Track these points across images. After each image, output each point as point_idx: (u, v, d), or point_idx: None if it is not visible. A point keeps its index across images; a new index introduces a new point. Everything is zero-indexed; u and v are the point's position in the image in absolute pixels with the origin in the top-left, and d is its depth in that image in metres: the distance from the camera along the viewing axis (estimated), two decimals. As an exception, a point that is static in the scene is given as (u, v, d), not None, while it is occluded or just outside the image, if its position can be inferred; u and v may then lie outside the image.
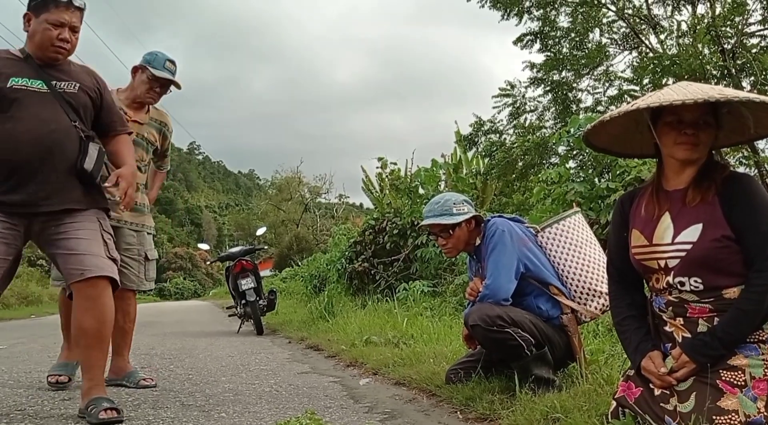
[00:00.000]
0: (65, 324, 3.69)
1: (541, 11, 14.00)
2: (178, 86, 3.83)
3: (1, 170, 2.70)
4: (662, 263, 1.94)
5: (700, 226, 1.88)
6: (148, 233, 3.81)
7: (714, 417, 1.76)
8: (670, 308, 1.96)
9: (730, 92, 1.79)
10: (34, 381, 3.89)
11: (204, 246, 14.46)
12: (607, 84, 14.24)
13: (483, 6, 14.07)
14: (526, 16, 14.12)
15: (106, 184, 2.91)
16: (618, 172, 5.75)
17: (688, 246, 1.88)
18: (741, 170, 8.91)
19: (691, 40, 10.27)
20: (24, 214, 2.75)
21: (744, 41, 10.16)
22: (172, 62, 3.79)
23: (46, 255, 2.90)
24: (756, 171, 9.04)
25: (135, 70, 3.78)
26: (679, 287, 1.92)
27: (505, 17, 14.10)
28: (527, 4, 13.88)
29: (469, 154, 12.11)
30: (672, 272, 1.92)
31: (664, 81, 9.23)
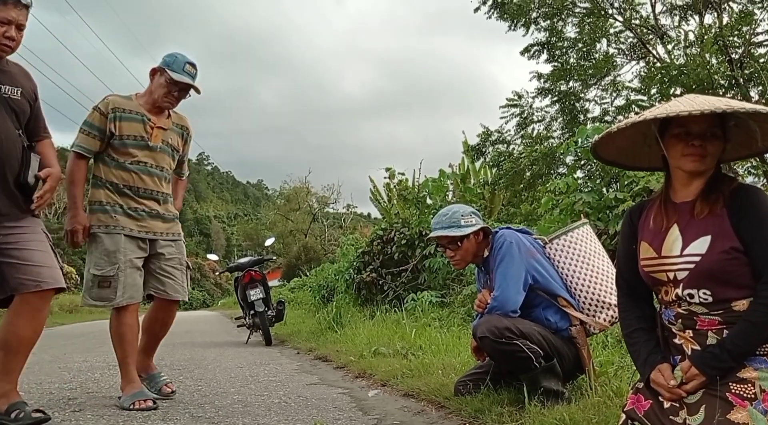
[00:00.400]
0: (126, 353, 3.48)
1: (548, 22, 14.04)
2: (197, 91, 3.66)
3: None
4: (671, 275, 1.94)
5: (708, 238, 1.88)
6: (182, 242, 3.74)
7: (724, 430, 1.75)
8: (680, 320, 1.96)
9: (737, 104, 1.79)
10: (45, 392, 3.91)
11: (213, 257, 14.54)
12: (614, 94, 14.25)
13: (490, 17, 14.13)
14: (533, 27, 14.17)
15: (38, 173, 2.88)
16: (626, 182, 5.75)
17: (697, 258, 1.88)
18: (749, 180, 8.89)
19: (698, 50, 10.27)
20: None
21: (752, 51, 10.15)
22: (193, 65, 3.60)
23: None
24: (764, 182, 9.01)
25: (153, 72, 3.61)
26: (688, 299, 1.91)
27: (512, 28, 14.15)
28: (534, 15, 13.93)
29: (477, 164, 12.13)
30: (681, 285, 1.92)
31: (671, 91, 9.24)
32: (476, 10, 14.12)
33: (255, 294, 7.87)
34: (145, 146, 3.50)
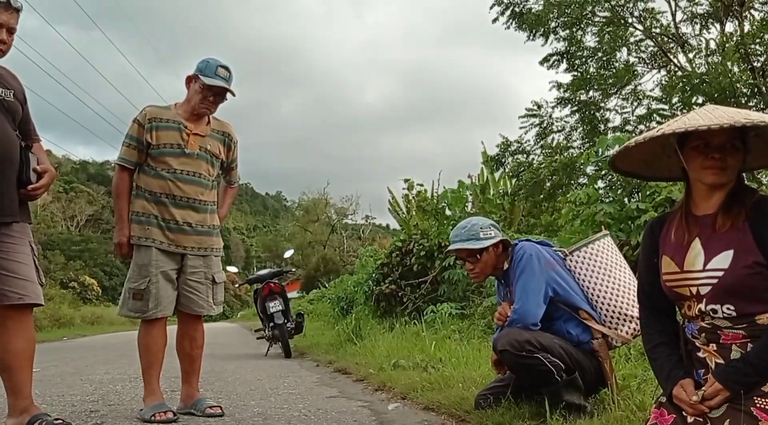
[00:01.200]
0: (150, 363, 3.49)
1: (567, 31, 14.00)
2: (232, 94, 3.62)
3: None
4: (694, 290, 1.91)
5: (731, 253, 1.85)
6: (215, 256, 3.65)
7: (749, 446, 1.72)
8: (703, 334, 1.93)
9: (757, 116, 1.77)
10: (67, 405, 3.94)
11: (232, 269, 14.63)
12: (635, 103, 14.13)
13: (508, 28, 14.12)
14: (551, 37, 14.13)
15: (36, 167, 2.90)
16: (648, 192, 5.69)
17: (720, 273, 1.85)
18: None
19: (720, 58, 10.17)
20: None
21: (774, 59, 10.02)
22: (226, 68, 3.56)
23: None
24: (790, 190, 8.87)
25: (189, 80, 3.59)
26: (711, 314, 1.88)
27: (531, 38, 14.12)
28: (553, 24, 13.90)
29: (497, 174, 12.08)
30: (704, 300, 1.89)
31: (693, 100, 9.14)
32: (494, 20, 14.13)
33: (274, 306, 7.89)
34: (181, 154, 3.50)
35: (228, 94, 3.61)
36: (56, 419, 2.88)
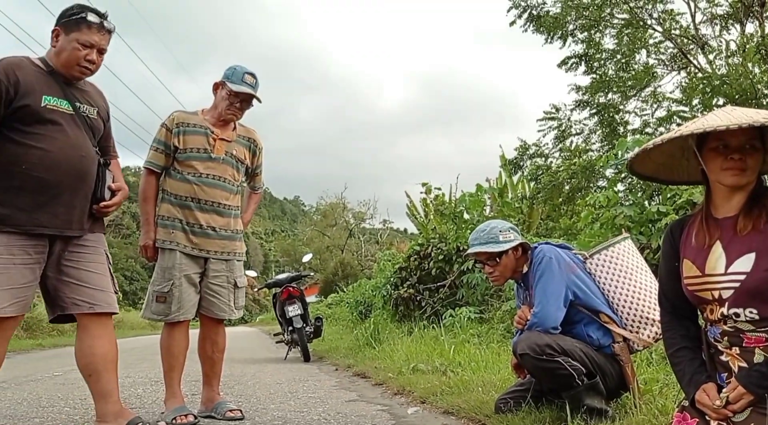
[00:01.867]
0: (171, 366, 3.52)
1: (585, 34, 13.94)
2: (258, 100, 3.67)
3: (33, 188, 2.70)
4: (716, 294, 1.89)
5: (753, 255, 1.83)
6: (237, 261, 3.68)
7: (774, 450, 1.70)
8: (726, 338, 1.91)
9: None
10: (90, 408, 3.97)
11: (251, 273, 14.62)
12: (655, 105, 14.04)
13: (526, 31, 14.09)
14: (570, 39, 14.09)
15: (111, 185, 2.98)
16: (669, 195, 5.64)
17: (742, 276, 1.83)
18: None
19: (740, 59, 10.06)
20: (48, 236, 2.76)
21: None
22: (252, 75, 3.61)
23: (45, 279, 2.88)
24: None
25: (216, 86, 3.65)
26: (734, 317, 1.86)
27: (549, 41, 14.08)
28: (571, 27, 13.85)
29: (515, 178, 12.05)
30: (726, 303, 1.87)
31: (714, 101, 9.05)
32: (512, 23, 14.12)
33: (293, 310, 7.91)
34: (207, 158, 3.54)
35: (254, 101, 3.66)
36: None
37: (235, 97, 3.57)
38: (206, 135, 3.56)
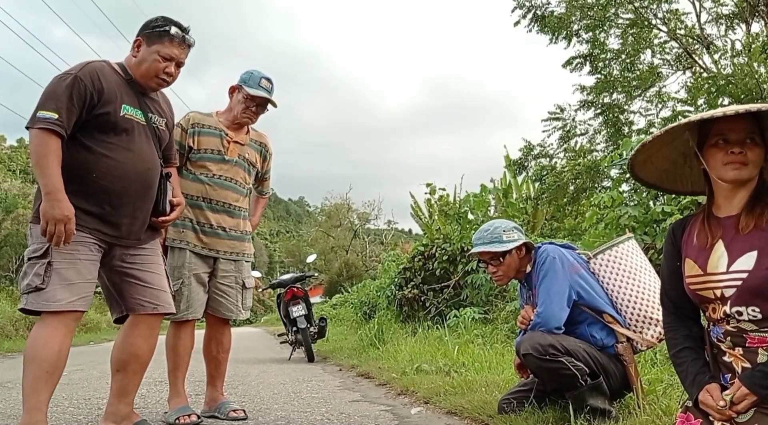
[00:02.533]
0: (176, 365, 3.53)
1: (590, 34, 13.91)
2: (274, 105, 3.72)
3: (100, 196, 2.75)
4: (718, 292, 1.88)
5: (755, 254, 1.82)
6: (246, 262, 3.72)
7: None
8: (729, 338, 1.90)
9: None
10: (93, 408, 3.99)
11: (256, 274, 14.66)
12: (660, 105, 14.00)
13: (530, 30, 14.06)
14: (574, 39, 14.06)
15: (172, 199, 3.04)
16: (673, 195, 5.62)
17: (744, 275, 1.82)
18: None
19: (746, 59, 10.02)
20: (109, 241, 2.82)
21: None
22: (268, 80, 3.67)
23: (105, 280, 2.94)
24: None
25: (232, 90, 3.71)
26: (736, 316, 1.85)
27: (554, 41, 14.05)
28: (575, 27, 13.82)
29: (519, 178, 12.02)
30: (728, 302, 1.86)
31: (719, 101, 9.02)
32: (516, 23, 14.10)
33: (297, 311, 7.91)
34: (221, 160, 3.57)
35: (269, 106, 3.71)
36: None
37: (252, 102, 3.62)
38: (220, 137, 3.60)
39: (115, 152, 2.76)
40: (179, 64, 2.94)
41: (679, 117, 11.12)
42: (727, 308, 1.87)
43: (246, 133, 3.73)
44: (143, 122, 2.89)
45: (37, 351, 2.58)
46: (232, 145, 3.61)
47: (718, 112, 1.76)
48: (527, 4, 13.89)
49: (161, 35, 2.85)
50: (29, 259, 2.67)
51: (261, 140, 3.81)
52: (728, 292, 1.86)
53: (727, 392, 1.85)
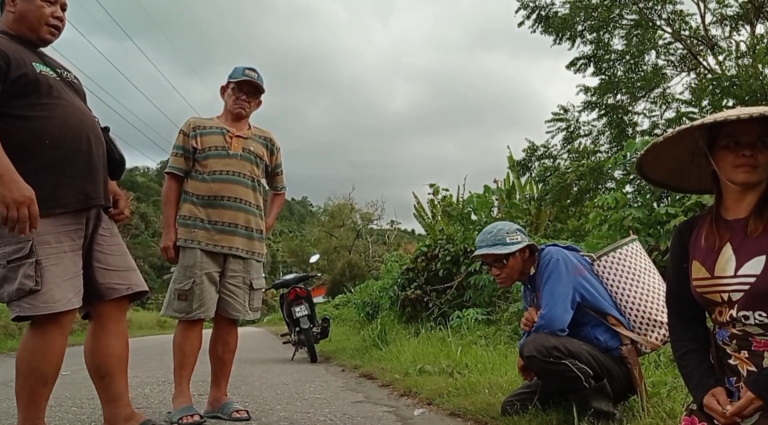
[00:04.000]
0: (182, 363, 3.50)
1: (594, 35, 13.89)
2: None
3: (65, 161, 2.50)
4: (725, 296, 1.87)
5: (763, 258, 1.81)
6: (256, 261, 3.70)
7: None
8: (734, 341, 1.89)
9: None
10: (96, 407, 3.99)
11: (258, 273, 14.75)
12: (664, 106, 13.98)
13: (534, 31, 14.04)
14: (578, 40, 14.04)
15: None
16: (678, 197, 5.60)
17: (752, 279, 1.81)
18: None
19: (750, 60, 9.99)
20: (86, 212, 2.59)
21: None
22: (252, 69, 3.74)
23: None
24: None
25: (223, 89, 3.81)
26: (743, 320, 1.84)
27: (558, 42, 14.04)
28: (579, 28, 13.80)
29: (523, 179, 12.00)
30: (735, 306, 1.85)
31: (723, 103, 9.00)
32: (520, 24, 14.09)
33: (300, 311, 7.92)
34: (226, 155, 3.60)
35: (261, 97, 3.79)
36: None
37: (240, 91, 3.70)
38: (222, 134, 3.64)
39: (54, 110, 2.50)
40: (63, 7, 2.66)
41: (684, 118, 11.11)
42: (733, 312, 1.86)
43: (248, 128, 3.77)
44: (58, 78, 2.61)
45: (36, 363, 2.42)
46: (235, 139, 3.64)
47: (732, 114, 1.75)
48: (531, 4, 13.88)
49: None
50: (9, 262, 2.39)
51: (265, 135, 3.84)
52: (736, 296, 1.85)
53: (733, 403, 1.83)
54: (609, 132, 14.41)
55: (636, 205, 5.98)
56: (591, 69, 14.38)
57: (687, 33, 13.91)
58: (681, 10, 13.77)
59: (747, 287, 1.82)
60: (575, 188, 10.07)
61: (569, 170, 10.03)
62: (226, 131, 3.65)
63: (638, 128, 14.07)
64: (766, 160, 1.85)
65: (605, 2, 13.32)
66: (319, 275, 14.91)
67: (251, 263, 3.66)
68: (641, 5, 13.31)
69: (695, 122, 1.86)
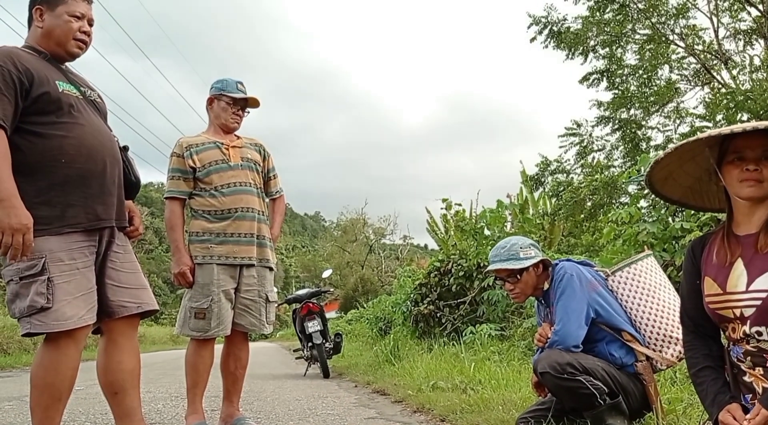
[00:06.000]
0: (196, 382, 3.49)
1: (607, 49, 13.89)
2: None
3: (79, 181, 2.52)
4: (737, 312, 1.86)
5: None
6: (270, 269, 3.69)
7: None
8: (749, 358, 1.87)
9: None
10: (110, 423, 3.99)
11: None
12: (678, 121, 13.92)
13: (546, 46, 14.07)
14: (591, 55, 14.04)
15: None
16: (692, 212, 5.57)
17: (763, 295, 1.80)
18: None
19: (764, 74, 9.95)
20: (98, 232, 2.59)
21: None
22: (242, 84, 3.73)
23: None
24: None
25: (210, 101, 3.71)
26: (756, 336, 1.83)
27: (570, 57, 14.05)
28: (592, 43, 13.81)
29: (536, 194, 11.98)
30: (748, 322, 1.83)
31: (738, 117, 8.95)
32: (532, 40, 14.12)
33: (313, 326, 7.91)
34: (227, 168, 3.57)
35: (249, 109, 3.75)
36: None
37: (236, 105, 3.67)
38: (218, 147, 3.61)
39: (72, 130, 2.52)
40: (90, 22, 2.68)
41: (698, 133, 11.04)
42: (746, 327, 1.84)
43: (237, 138, 3.74)
44: (81, 97, 2.63)
45: (50, 379, 2.42)
46: (232, 150, 3.62)
47: (726, 130, 1.76)
48: (543, 20, 13.92)
49: None
50: (21, 278, 2.40)
51: (255, 142, 3.81)
52: (748, 312, 1.84)
53: (748, 419, 1.81)
54: (622, 147, 14.37)
55: (650, 220, 5.94)
56: (604, 84, 14.38)
57: (700, 47, 13.88)
58: (694, 25, 13.76)
59: (759, 302, 1.81)
60: (589, 203, 10.02)
61: (582, 185, 9.99)
62: (221, 144, 3.62)
63: (652, 143, 14.03)
64: None
65: (617, 17, 13.33)
66: (331, 290, 14.92)
67: (264, 274, 3.64)
68: (654, 20, 13.31)
69: (691, 138, 1.87)
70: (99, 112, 2.73)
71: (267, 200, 3.83)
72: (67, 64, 2.74)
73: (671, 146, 1.91)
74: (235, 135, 3.75)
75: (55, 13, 2.61)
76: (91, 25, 2.70)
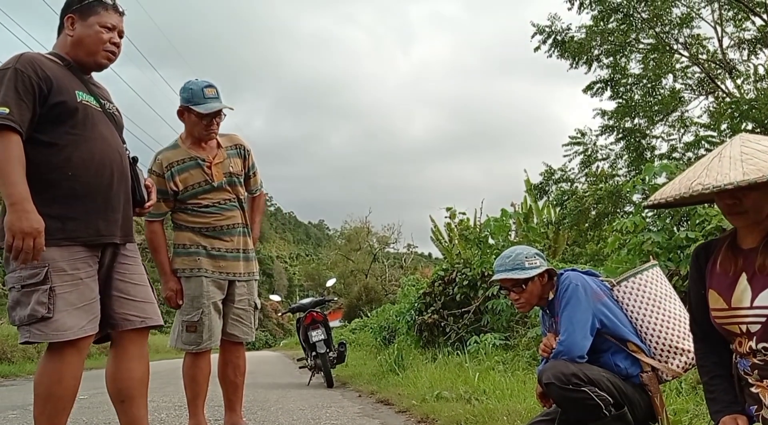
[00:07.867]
0: (196, 394, 3.51)
1: (611, 59, 13.90)
2: (230, 108, 3.57)
3: (84, 194, 2.52)
4: (743, 328, 1.85)
5: None
6: (255, 280, 3.70)
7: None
8: (756, 371, 1.86)
9: (753, 171, 1.70)
10: (114, 432, 3.98)
11: (275, 297, 14.73)
12: (682, 130, 13.90)
13: (550, 56, 14.08)
14: (595, 64, 14.05)
15: (147, 183, 2.83)
16: (698, 221, 5.55)
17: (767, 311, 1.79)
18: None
19: (770, 83, 9.95)
20: (100, 246, 2.58)
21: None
22: (210, 87, 3.48)
23: None
24: None
25: (180, 113, 3.53)
26: (763, 351, 1.82)
27: (574, 66, 14.06)
28: (596, 52, 13.82)
29: (540, 203, 11.94)
30: (755, 337, 1.83)
31: (742, 126, 8.95)
32: (536, 49, 14.13)
33: (317, 335, 7.89)
34: (210, 189, 3.49)
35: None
36: None
37: (206, 118, 3.47)
38: (200, 166, 3.50)
39: (84, 143, 2.52)
40: (120, 34, 2.69)
41: (702, 142, 11.03)
42: (753, 343, 1.84)
43: (218, 147, 3.60)
44: (99, 109, 2.64)
45: (53, 389, 2.41)
46: (215, 168, 3.51)
47: (668, 195, 1.79)
48: (547, 29, 13.94)
49: (94, 5, 2.62)
50: (23, 286, 2.40)
51: (234, 142, 3.68)
52: (754, 327, 1.83)
53: None
54: (627, 156, 14.34)
55: (655, 229, 5.92)
56: (608, 93, 14.37)
57: (704, 57, 13.88)
58: (698, 34, 13.77)
59: (764, 319, 1.80)
60: (593, 212, 10.01)
61: (587, 194, 9.99)
62: (203, 161, 3.49)
63: (656, 152, 14.01)
64: (754, 202, 1.81)
65: (621, 27, 13.34)
66: (335, 299, 14.86)
67: (252, 283, 3.67)
68: (658, 29, 13.31)
69: (661, 194, 1.89)
70: (116, 124, 2.74)
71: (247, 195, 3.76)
72: (92, 74, 2.76)
73: (668, 195, 1.89)
74: (217, 139, 3.61)
75: (87, 22, 2.62)
76: (121, 37, 2.71)
